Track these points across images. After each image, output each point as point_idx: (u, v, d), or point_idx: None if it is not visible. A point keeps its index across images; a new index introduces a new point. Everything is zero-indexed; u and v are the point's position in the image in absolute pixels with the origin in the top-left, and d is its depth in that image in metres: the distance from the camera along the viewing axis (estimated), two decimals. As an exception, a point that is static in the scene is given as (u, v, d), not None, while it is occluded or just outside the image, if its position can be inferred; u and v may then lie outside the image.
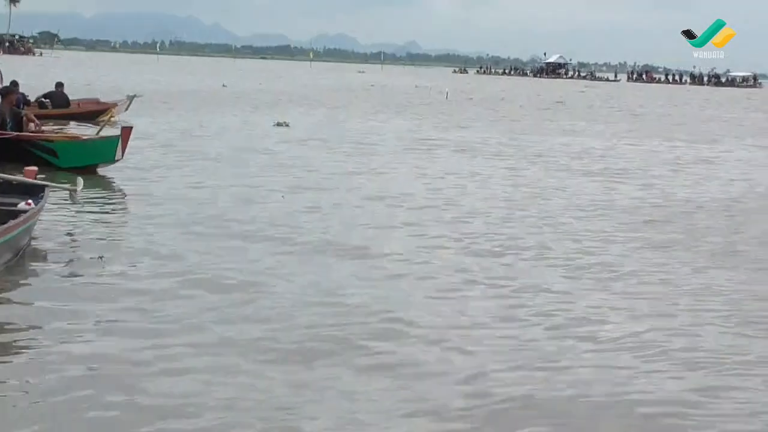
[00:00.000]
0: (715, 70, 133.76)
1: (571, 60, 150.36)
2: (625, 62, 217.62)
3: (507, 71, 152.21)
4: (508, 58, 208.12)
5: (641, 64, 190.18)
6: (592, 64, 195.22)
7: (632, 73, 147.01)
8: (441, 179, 16.80)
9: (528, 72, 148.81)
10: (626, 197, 15.51)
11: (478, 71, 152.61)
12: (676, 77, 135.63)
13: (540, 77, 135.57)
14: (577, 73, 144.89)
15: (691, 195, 16.20)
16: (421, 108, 41.15)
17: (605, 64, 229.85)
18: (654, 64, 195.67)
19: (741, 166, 21.53)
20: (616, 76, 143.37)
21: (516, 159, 21.02)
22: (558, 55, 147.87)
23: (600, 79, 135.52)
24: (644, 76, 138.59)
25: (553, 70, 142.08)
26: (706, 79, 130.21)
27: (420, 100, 48.41)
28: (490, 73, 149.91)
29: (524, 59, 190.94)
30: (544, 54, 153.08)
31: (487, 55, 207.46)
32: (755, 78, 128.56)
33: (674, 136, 29.87)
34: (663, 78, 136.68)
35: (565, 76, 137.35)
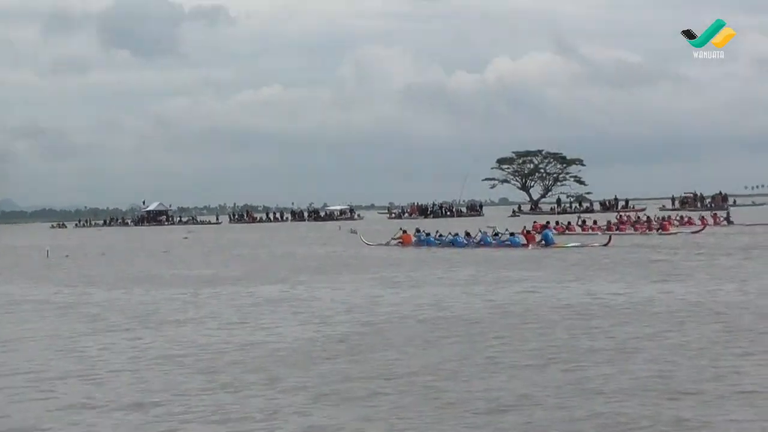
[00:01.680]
0: (313, 205, 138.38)
1: (171, 206, 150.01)
2: (225, 204, 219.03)
3: (107, 222, 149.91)
4: (107, 208, 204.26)
5: (241, 204, 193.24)
6: (193, 209, 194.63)
7: (233, 214, 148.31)
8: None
9: (129, 221, 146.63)
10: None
11: (77, 224, 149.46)
12: (277, 215, 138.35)
13: (141, 225, 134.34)
14: (179, 219, 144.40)
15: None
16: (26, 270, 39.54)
17: (205, 207, 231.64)
18: (253, 204, 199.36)
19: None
20: (217, 218, 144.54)
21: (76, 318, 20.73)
22: (158, 203, 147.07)
23: (203, 222, 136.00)
24: (246, 216, 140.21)
25: (154, 217, 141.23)
26: (306, 214, 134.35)
27: (19, 261, 46.66)
28: (90, 225, 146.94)
29: (123, 209, 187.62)
30: (143, 202, 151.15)
31: (85, 207, 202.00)
32: (352, 210, 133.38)
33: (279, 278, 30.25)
34: (264, 217, 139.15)
35: (167, 223, 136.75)
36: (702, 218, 57.70)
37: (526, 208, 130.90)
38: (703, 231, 50.61)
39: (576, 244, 40.66)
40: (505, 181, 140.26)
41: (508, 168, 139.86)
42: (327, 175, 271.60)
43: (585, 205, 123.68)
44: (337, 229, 75.73)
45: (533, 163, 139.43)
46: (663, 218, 55.77)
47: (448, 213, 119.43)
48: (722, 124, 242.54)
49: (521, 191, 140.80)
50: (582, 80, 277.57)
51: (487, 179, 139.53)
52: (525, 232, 42.62)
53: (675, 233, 48.88)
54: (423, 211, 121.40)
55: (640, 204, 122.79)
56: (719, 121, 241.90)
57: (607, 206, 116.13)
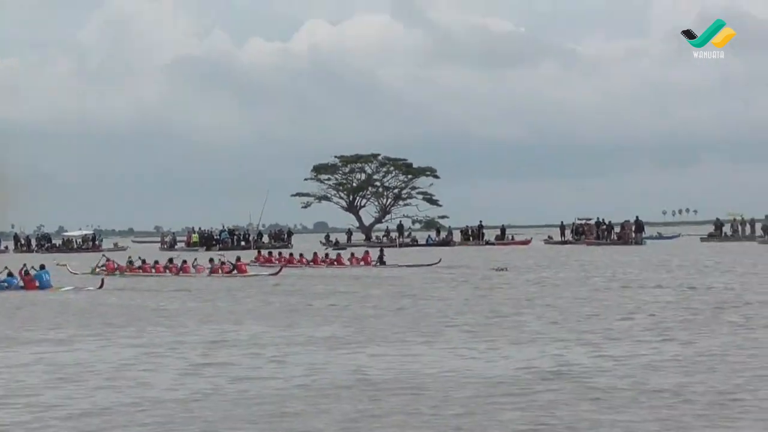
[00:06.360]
0: (43, 229, 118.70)
1: None
2: None
3: None
4: None
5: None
6: None
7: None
8: None
9: None
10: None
11: None
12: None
13: None
14: None
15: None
16: None
17: None
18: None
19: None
20: None
21: None
22: None
23: None
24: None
25: None
26: (33, 242, 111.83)
27: None
28: None
29: None
30: None
31: None
32: (95, 237, 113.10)
33: None
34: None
35: None
36: (289, 256, 55.02)
37: (356, 236, 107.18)
38: (280, 273, 45.11)
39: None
40: (325, 197, 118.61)
41: (329, 179, 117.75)
42: (63, 185, 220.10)
43: (443, 234, 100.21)
44: None
45: (365, 172, 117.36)
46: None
47: (243, 243, 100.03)
48: (630, 124, 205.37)
49: (348, 212, 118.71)
50: (432, 56, 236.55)
51: (297, 194, 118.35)
52: (23, 272, 39.22)
53: (254, 275, 44.34)
54: (207, 240, 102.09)
55: (520, 233, 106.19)
56: (626, 119, 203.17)
57: (470, 236, 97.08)
